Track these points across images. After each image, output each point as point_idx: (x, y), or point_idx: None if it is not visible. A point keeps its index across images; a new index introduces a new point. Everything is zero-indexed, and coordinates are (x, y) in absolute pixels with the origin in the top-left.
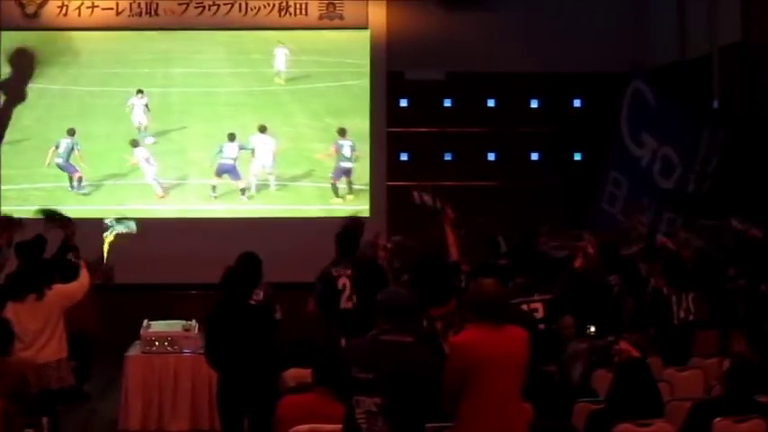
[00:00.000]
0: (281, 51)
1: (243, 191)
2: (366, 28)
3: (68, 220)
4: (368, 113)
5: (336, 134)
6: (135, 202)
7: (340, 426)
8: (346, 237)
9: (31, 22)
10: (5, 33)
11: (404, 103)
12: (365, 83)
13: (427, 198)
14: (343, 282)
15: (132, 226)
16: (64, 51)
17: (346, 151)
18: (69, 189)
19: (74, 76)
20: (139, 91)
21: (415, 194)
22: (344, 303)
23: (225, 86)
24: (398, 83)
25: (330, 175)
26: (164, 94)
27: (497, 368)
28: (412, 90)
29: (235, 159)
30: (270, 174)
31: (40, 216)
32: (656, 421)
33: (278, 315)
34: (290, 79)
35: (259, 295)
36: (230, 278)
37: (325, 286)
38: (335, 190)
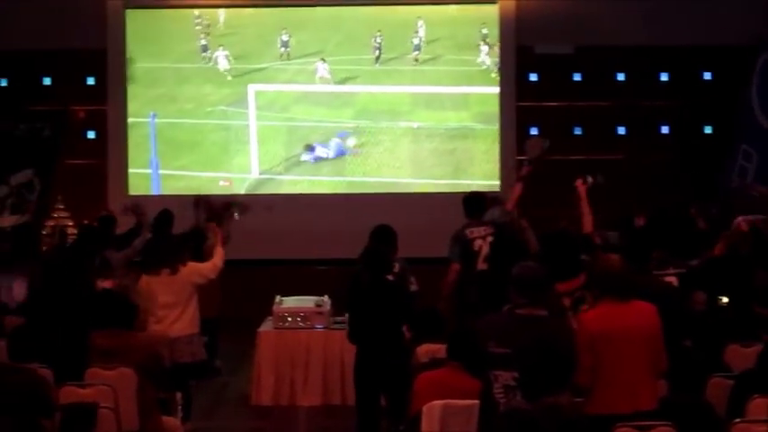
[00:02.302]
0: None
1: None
2: (495, 2)
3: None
4: (497, 88)
5: None
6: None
7: (474, 401)
8: (473, 199)
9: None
10: (130, 12)
11: (533, 77)
12: (494, 57)
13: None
14: (479, 244)
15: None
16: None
17: None
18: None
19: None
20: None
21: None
22: (480, 265)
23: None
24: (528, 57)
25: None
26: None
27: (625, 343)
28: (541, 64)
29: None
30: None
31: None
32: None
33: (413, 287)
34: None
35: (395, 267)
36: (369, 254)
37: (461, 248)
38: None
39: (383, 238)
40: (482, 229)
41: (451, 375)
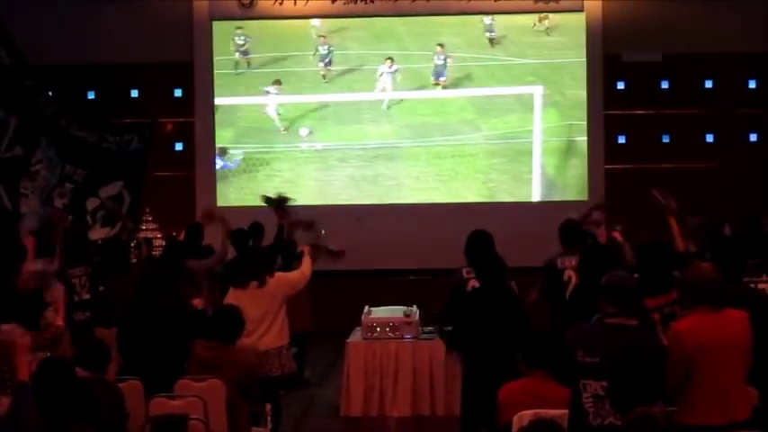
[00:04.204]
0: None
1: None
2: (581, 11)
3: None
4: (585, 96)
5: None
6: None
7: (564, 410)
8: (569, 229)
9: (246, 11)
10: (218, 23)
11: (621, 85)
12: (582, 66)
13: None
14: (569, 274)
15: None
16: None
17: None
18: None
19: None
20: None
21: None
22: (569, 295)
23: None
24: (615, 65)
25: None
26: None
27: (719, 353)
28: (629, 72)
29: None
30: None
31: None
32: None
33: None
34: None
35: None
36: (484, 261)
37: (549, 279)
38: None
39: (483, 242)
40: (574, 260)
41: (535, 385)
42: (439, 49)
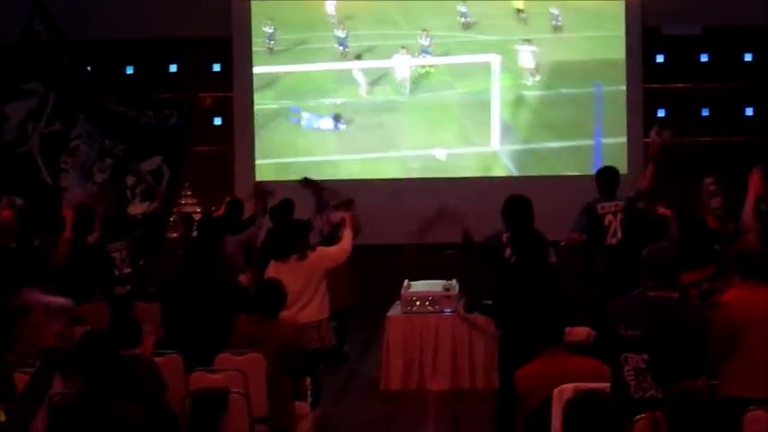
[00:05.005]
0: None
1: None
2: None
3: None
4: (624, 70)
5: None
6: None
7: (605, 383)
8: (606, 173)
9: None
10: (255, 3)
11: (660, 58)
12: (621, 39)
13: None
14: (609, 219)
15: None
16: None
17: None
18: None
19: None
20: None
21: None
22: (609, 240)
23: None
24: (654, 38)
25: None
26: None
27: (764, 327)
28: (668, 45)
29: None
30: None
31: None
32: None
33: (552, 258)
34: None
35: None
36: (519, 237)
37: (589, 220)
38: None
39: (520, 210)
40: (613, 204)
41: (547, 363)
42: (424, 33)
